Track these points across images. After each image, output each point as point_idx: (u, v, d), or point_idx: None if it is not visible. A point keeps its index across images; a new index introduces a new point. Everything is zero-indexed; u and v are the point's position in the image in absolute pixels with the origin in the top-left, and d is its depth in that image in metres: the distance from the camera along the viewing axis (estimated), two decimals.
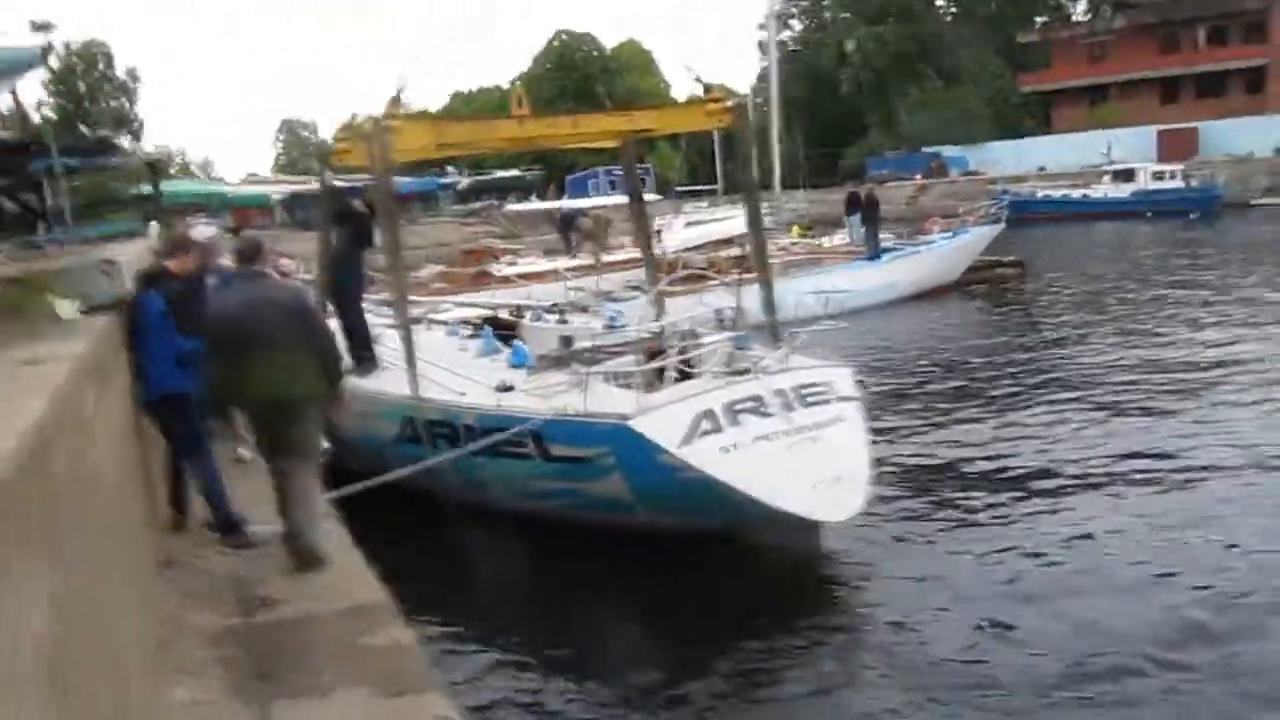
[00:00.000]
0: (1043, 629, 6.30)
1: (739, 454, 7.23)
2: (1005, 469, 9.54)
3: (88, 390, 3.05)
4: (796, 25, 76.42)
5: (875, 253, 21.02)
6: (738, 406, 7.52)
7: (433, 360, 9.06)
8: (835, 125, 63.82)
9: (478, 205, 57.44)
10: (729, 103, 9.60)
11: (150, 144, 61.78)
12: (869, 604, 7.07)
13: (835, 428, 7.64)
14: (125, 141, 62.19)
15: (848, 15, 69.25)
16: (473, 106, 74.88)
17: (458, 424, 8.38)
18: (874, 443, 10.79)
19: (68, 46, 63.67)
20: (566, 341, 10.42)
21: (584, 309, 13.64)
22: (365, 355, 9.99)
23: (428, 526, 8.29)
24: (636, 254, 24.61)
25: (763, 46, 76.91)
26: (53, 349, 3.21)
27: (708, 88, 9.83)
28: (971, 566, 7.36)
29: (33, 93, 74.17)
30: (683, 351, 8.73)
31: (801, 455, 7.32)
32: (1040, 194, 42.89)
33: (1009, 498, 8.75)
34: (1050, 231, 36.10)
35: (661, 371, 8.77)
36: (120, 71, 66.54)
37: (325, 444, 9.59)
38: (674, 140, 72.73)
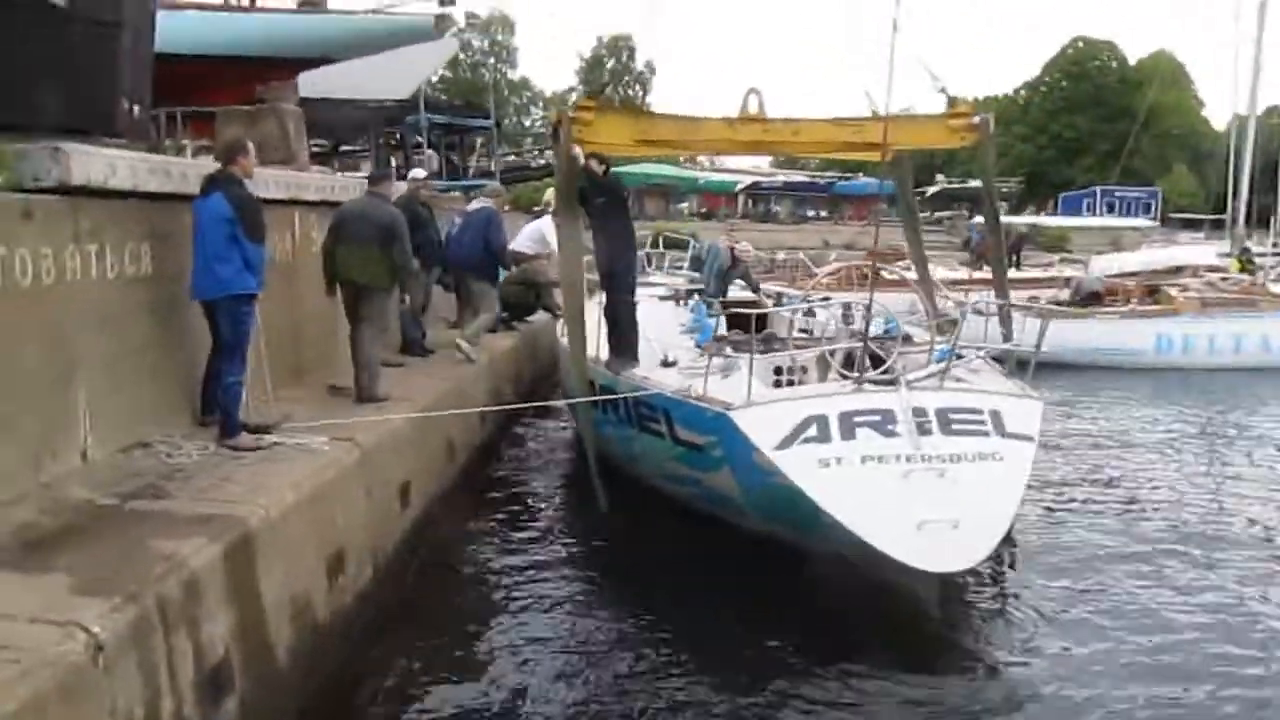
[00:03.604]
0: None
1: (837, 470, 6.07)
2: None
3: None
4: None
5: None
6: (859, 418, 6.33)
7: (643, 330, 8.87)
8: None
9: (945, 215, 55.38)
10: (975, 119, 8.32)
11: None
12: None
13: (979, 464, 6.14)
14: None
15: None
16: None
17: (617, 390, 8.07)
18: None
19: (600, 39, 72.20)
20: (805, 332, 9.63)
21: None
22: (621, 343, 8.44)
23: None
24: (1043, 274, 22.75)
25: None
26: None
27: (952, 100, 8.63)
28: None
29: (564, 80, 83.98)
30: (849, 353, 7.64)
31: (917, 487, 5.98)
32: None
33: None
34: None
35: (828, 370, 7.73)
36: (640, 64, 73.44)
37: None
38: (1199, 165, 64.16)
